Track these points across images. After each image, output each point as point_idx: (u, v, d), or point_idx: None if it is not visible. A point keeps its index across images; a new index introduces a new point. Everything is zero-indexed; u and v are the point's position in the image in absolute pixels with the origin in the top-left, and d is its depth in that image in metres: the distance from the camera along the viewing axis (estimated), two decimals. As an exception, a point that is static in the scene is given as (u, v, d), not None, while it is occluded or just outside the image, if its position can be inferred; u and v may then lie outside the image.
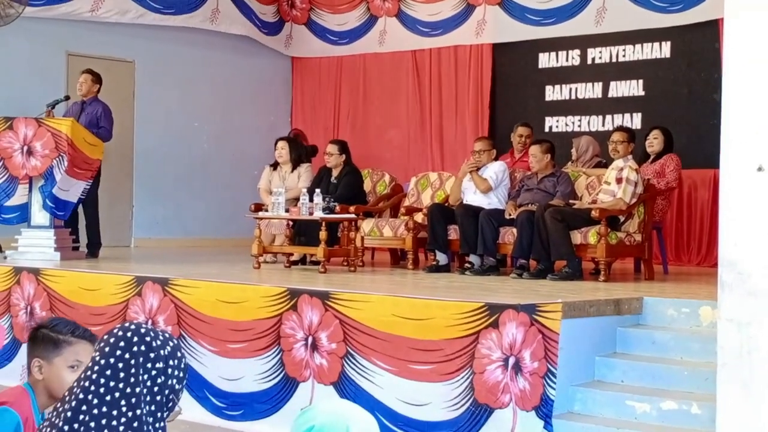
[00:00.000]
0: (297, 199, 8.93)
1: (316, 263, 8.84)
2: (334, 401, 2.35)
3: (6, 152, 8.96)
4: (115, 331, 2.32)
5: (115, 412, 2.23)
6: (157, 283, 7.29)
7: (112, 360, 2.26)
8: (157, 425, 2.30)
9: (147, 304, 7.29)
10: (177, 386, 2.34)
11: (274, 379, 6.63)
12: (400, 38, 12.78)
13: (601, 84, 11.13)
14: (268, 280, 7.54)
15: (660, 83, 10.75)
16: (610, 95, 11.08)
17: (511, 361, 5.54)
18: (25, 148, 8.90)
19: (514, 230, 8.28)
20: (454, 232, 8.77)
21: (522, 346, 5.52)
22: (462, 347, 5.74)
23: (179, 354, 2.36)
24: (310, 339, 6.44)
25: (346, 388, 6.26)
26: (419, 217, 9.36)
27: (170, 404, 2.34)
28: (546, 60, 11.56)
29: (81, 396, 2.25)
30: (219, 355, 6.92)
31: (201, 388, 6.98)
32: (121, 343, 2.28)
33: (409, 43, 12.71)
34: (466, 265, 8.67)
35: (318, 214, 8.49)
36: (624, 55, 10.98)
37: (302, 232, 9.23)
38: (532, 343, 5.49)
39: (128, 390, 2.25)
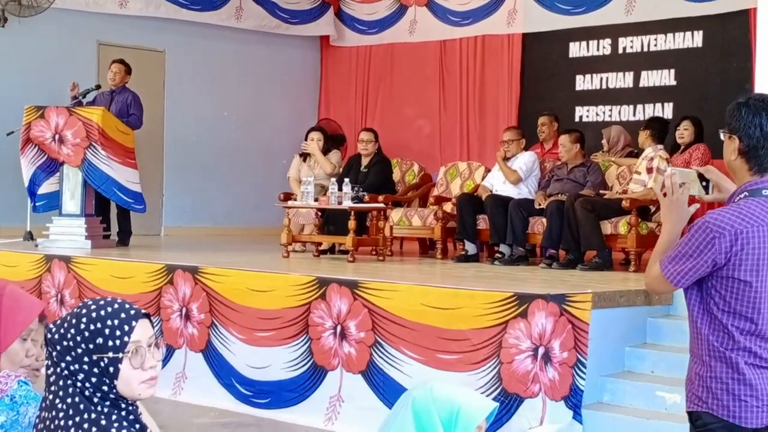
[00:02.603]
0: (326, 189, 8.93)
1: (345, 252, 8.82)
2: (451, 384, 2.44)
3: (38, 140, 9.06)
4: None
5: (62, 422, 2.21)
6: (187, 271, 7.33)
7: (48, 372, 2.25)
8: (106, 395, 2.22)
9: (180, 293, 7.34)
10: (91, 346, 2.19)
11: (302, 367, 6.65)
12: (430, 28, 12.72)
13: (632, 73, 11.03)
14: (296, 269, 7.55)
15: (692, 73, 10.64)
16: (641, 85, 10.98)
17: (541, 351, 5.54)
18: (57, 136, 8.98)
19: (544, 220, 8.24)
20: (483, 222, 8.73)
21: (551, 336, 5.51)
22: (489, 337, 5.74)
23: (73, 322, 2.22)
24: (338, 328, 6.45)
25: (375, 376, 6.27)
26: (448, 207, 9.33)
27: (104, 362, 2.19)
28: (576, 49, 11.47)
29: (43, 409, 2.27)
30: (247, 344, 6.96)
31: (229, 376, 7.03)
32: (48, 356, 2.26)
33: (439, 33, 12.64)
34: (496, 255, 8.63)
35: (347, 204, 8.49)
36: (655, 45, 10.87)
37: (331, 221, 9.22)
38: (562, 333, 5.48)
39: (61, 393, 2.22)
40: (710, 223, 2.86)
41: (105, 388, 2.21)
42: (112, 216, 9.79)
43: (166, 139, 12.37)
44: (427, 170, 10.65)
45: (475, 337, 5.80)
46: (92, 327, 2.20)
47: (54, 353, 2.23)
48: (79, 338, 2.20)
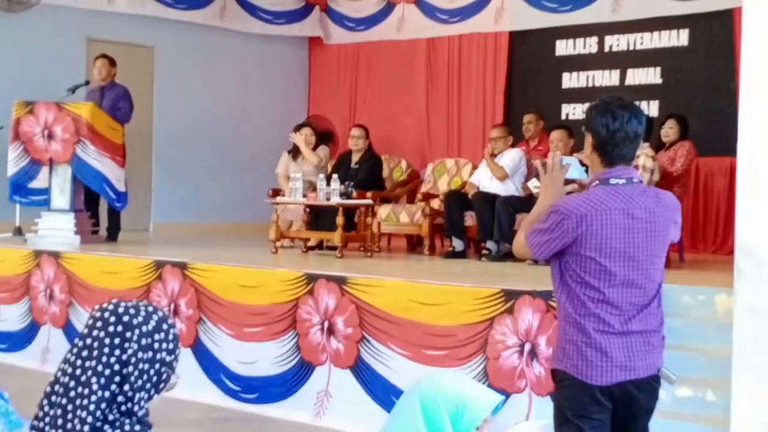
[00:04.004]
0: (314, 185, 8.94)
1: (333, 248, 8.83)
2: (458, 378, 2.53)
3: (27, 136, 9.04)
4: (95, 311, 2.38)
5: (86, 391, 2.29)
6: (176, 267, 7.34)
7: (88, 341, 2.34)
8: (144, 398, 2.37)
9: (168, 288, 7.35)
10: (168, 358, 2.38)
11: (290, 362, 6.68)
12: (418, 25, 12.71)
13: (618, 72, 11.07)
14: (285, 265, 7.57)
15: (677, 71, 10.68)
16: (627, 83, 11.01)
17: (527, 347, 5.57)
18: (46, 132, 8.96)
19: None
20: (470, 219, 8.78)
21: (538, 332, 5.55)
22: (476, 333, 5.78)
23: (165, 326, 2.38)
24: (326, 323, 6.48)
25: (362, 372, 6.31)
26: (436, 204, 9.38)
27: (164, 377, 2.39)
28: (563, 48, 11.49)
29: (60, 377, 2.34)
30: (236, 339, 6.98)
31: (217, 372, 7.06)
32: (99, 323, 2.35)
33: (427, 31, 12.64)
34: (483, 251, 8.67)
35: (335, 200, 8.50)
36: (641, 43, 10.92)
37: (319, 217, 9.22)
38: (548, 329, 5.50)
39: (99, 368, 2.30)
40: (561, 207, 3.34)
41: (152, 389, 2.43)
42: (101, 211, 9.77)
43: (155, 135, 12.34)
44: (414, 167, 10.70)
45: (462, 333, 5.84)
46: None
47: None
48: (169, 345, 2.44)
